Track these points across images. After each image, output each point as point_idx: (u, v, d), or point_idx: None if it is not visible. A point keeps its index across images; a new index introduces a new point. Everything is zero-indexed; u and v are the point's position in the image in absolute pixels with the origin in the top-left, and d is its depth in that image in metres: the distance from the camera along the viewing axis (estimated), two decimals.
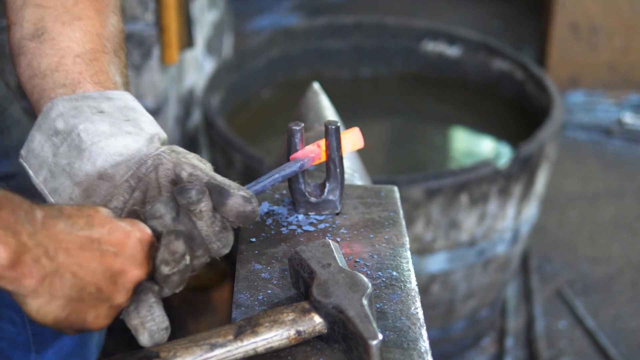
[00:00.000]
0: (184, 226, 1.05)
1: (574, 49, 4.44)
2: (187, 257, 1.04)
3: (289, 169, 1.22)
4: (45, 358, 1.59)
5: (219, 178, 1.09)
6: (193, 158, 1.11)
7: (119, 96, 1.16)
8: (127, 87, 1.22)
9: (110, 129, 1.11)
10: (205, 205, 1.06)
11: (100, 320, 1.00)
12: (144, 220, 1.05)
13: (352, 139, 1.27)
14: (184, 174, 1.09)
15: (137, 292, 1.03)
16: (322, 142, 1.24)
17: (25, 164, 1.14)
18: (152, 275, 1.04)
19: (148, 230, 1.02)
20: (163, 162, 1.10)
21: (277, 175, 1.20)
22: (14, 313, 1.56)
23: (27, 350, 1.59)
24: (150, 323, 1.03)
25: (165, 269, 1.02)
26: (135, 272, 1.00)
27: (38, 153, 1.12)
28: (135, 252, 1.00)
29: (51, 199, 1.12)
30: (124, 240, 0.99)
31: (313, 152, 1.23)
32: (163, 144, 1.15)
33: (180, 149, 1.13)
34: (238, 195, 1.08)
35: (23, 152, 1.14)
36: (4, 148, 1.15)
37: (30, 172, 1.13)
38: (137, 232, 1.01)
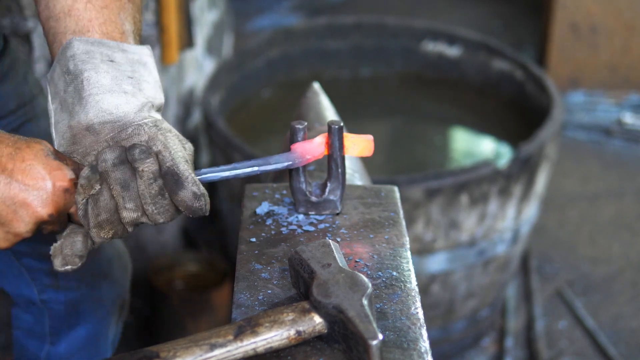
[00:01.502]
0: (122, 174, 1.12)
1: (574, 49, 4.44)
2: (113, 203, 1.12)
3: (274, 164, 1.21)
4: (59, 350, 1.62)
5: (182, 167, 1.13)
6: (172, 137, 1.16)
7: (135, 50, 1.22)
8: (138, 32, 1.27)
9: (110, 83, 1.17)
10: (147, 167, 1.11)
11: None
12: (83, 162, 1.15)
13: (363, 145, 1.24)
14: (153, 150, 1.14)
15: (68, 231, 1.15)
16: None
17: (47, 87, 1.21)
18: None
19: (68, 177, 1.11)
20: (141, 133, 1.15)
21: (256, 169, 1.20)
22: (31, 303, 1.58)
23: (42, 341, 1.61)
24: (67, 250, 1.13)
25: (78, 198, 1.11)
26: (38, 209, 1.10)
27: (56, 83, 1.20)
28: (43, 192, 1.10)
29: (53, 130, 1.19)
30: (36, 179, 1.10)
31: (311, 154, 1.23)
32: (158, 109, 1.21)
33: (165, 125, 1.17)
34: (190, 190, 1.12)
35: (48, 76, 1.21)
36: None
37: (49, 97, 1.21)
38: (53, 177, 1.10)
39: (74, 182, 1.12)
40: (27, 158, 1.10)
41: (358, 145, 1.24)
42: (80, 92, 1.16)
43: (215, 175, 1.18)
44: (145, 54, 1.23)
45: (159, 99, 1.21)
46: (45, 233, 1.14)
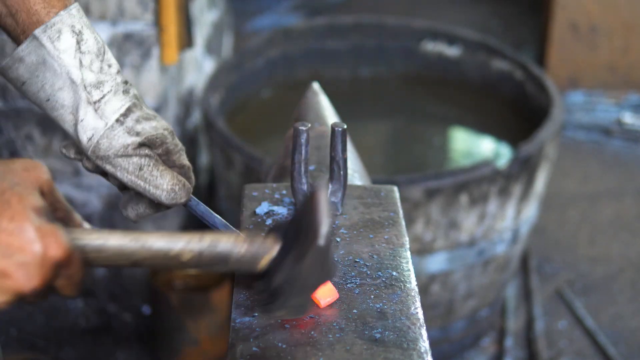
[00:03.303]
0: None
1: (574, 49, 4.44)
2: None
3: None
4: None
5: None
6: None
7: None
8: None
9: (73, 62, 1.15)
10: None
11: None
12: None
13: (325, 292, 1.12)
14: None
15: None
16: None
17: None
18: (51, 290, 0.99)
19: (63, 246, 0.95)
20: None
21: (217, 222, 1.22)
22: None
23: None
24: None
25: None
26: (20, 282, 0.93)
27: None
28: (29, 262, 0.92)
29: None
30: (23, 245, 0.92)
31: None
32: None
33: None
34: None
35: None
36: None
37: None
38: (45, 245, 0.93)
39: (70, 253, 0.96)
40: (17, 217, 0.93)
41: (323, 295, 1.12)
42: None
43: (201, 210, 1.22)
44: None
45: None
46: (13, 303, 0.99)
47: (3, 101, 2.79)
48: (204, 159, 3.42)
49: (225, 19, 3.90)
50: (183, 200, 1.19)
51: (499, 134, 3.26)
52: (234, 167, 2.71)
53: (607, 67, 4.48)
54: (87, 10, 2.72)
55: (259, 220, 1.25)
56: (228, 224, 1.22)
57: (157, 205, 1.22)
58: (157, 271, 2.87)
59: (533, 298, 3.22)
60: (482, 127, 3.35)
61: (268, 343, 1.03)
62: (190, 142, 3.27)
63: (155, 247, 1.01)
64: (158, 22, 2.75)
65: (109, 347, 2.98)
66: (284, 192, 1.31)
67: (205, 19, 3.44)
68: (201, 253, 1.02)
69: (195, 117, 3.32)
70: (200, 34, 3.35)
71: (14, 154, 2.87)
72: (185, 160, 1.22)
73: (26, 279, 0.93)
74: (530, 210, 2.88)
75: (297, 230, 1.04)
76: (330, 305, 1.09)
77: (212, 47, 3.59)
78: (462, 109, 3.44)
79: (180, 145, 1.21)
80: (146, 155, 1.17)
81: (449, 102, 3.46)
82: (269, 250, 1.04)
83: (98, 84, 1.16)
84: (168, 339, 2.84)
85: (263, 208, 1.27)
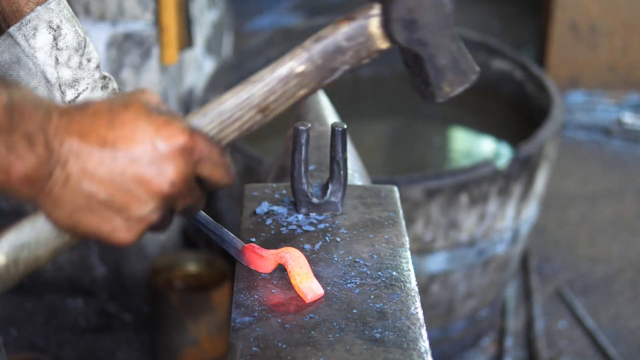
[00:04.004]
0: None
1: (574, 49, 4.44)
2: None
3: (227, 243, 1.16)
4: None
5: None
6: None
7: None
8: None
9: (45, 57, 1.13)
10: None
11: (122, 234, 0.89)
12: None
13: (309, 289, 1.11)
14: None
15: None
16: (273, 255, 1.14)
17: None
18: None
19: (182, 130, 0.89)
20: None
21: (221, 232, 1.17)
22: None
23: None
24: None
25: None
26: (155, 181, 0.88)
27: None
28: (156, 157, 0.87)
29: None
30: (143, 144, 0.87)
31: (255, 266, 1.14)
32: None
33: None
34: None
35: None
36: None
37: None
38: (163, 135, 0.88)
39: (193, 135, 0.90)
40: (127, 120, 0.87)
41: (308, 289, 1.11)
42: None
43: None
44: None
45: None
46: (172, 219, 0.92)
47: None
48: None
49: (225, 18, 3.90)
50: None
51: (499, 134, 3.26)
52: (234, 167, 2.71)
53: (607, 67, 4.48)
54: (87, 10, 2.72)
55: (259, 220, 1.25)
56: (217, 224, 1.21)
57: None
58: (157, 271, 2.88)
59: (533, 298, 3.22)
60: (482, 127, 3.35)
61: (268, 343, 1.03)
62: None
63: (266, 77, 0.94)
64: (158, 22, 2.75)
65: (109, 347, 2.98)
66: (284, 192, 1.31)
67: (205, 18, 3.44)
68: (310, 55, 0.94)
69: None
70: (200, 34, 3.35)
71: None
72: None
73: (159, 176, 0.88)
74: (530, 210, 2.88)
75: None
76: (330, 305, 1.09)
77: (212, 47, 3.59)
78: (462, 109, 3.44)
79: None
80: None
81: (448, 102, 3.45)
82: (371, 10, 0.96)
83: (74, 82, 1.14)
84: (168, 339, 2.84)
85: (263, 208, 1.27)
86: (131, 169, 0.87)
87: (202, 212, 1.20)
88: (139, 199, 0.88)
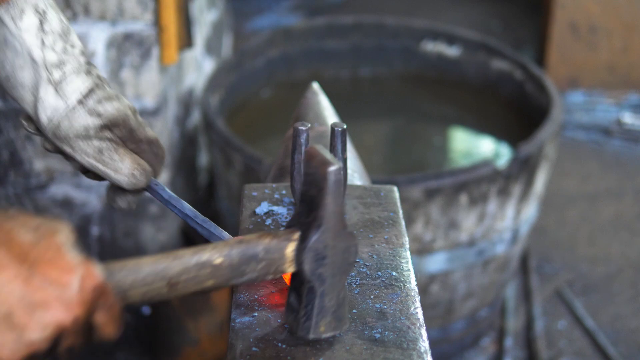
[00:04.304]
0: None
1: (574, 49, 4.45)
2: None
3: (215, 236, 1.19)
4: None
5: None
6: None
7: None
8: None
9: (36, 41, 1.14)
10: None
11: (4, 350, 0.87)
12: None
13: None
14: None
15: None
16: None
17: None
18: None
19: (98, 276, 0.92)
20: None
21: (209, 225, 1.21)
22: None
23: None
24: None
25: None
26: (59, 313, 0.88)
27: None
28: (69, 290, 0.89)
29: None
30: (62, 273, 0.89)
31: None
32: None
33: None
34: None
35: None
36: None
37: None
38: (83, 272, 0.90)
39: (106, 282, 0.93)
40: (53, 247, 0.90)
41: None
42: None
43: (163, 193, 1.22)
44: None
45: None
46: (59, 354, 0.93)
47: (3, 101, 2.79)
48: (203, 159, 3.42)
49: (225, 19, 3.90)
50: (142, 184, 1.19)
51: (499, 134, 3.26)
52: (233, 167, 2.71)
53: (607, 67, 4.48)
54: (86, 10, 2.72)
55: (259, 220, 1.25)
56: (196, 211, 1.22)
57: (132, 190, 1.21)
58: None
59: (533, 298, 3.22)
60: (482, 127, 3.35)
61: (268, 343, 1.04)
62: (190, 142, 3.27)
63: (186, 256, 1.00)
64: (158, 22, 2.75)
65: (109, 347, 2.98)
66: (284, 192, 1.31)
67: (205, 19, 3.44)
68: (230, 252, 1.01)
69: (195, 117, 3.32)
70: (200, 34, 3.35)
71: (13, 154, 2.87)
72: (150, 133, 1.20)
73: (66, 310, 0.88)
74: (530, 211, 2.88)
75: (308, 204, 1.02)
76: None
77: (211, 47, 3.59)
78: (462, 109, 3.45)
79: (143, 121, 1.20)
80: (107, 139, 1.17)
81: (448, 102, 3.46)
82: (293, 235, 1.03)
83: (59, 64, 1.15)
84: (168, 339, 2.84)
85: (263, 208, 1.27)
86: (41, 293, 0.87)
87: (188, 205, 1.22)
88: (39, 325, 0.88)
